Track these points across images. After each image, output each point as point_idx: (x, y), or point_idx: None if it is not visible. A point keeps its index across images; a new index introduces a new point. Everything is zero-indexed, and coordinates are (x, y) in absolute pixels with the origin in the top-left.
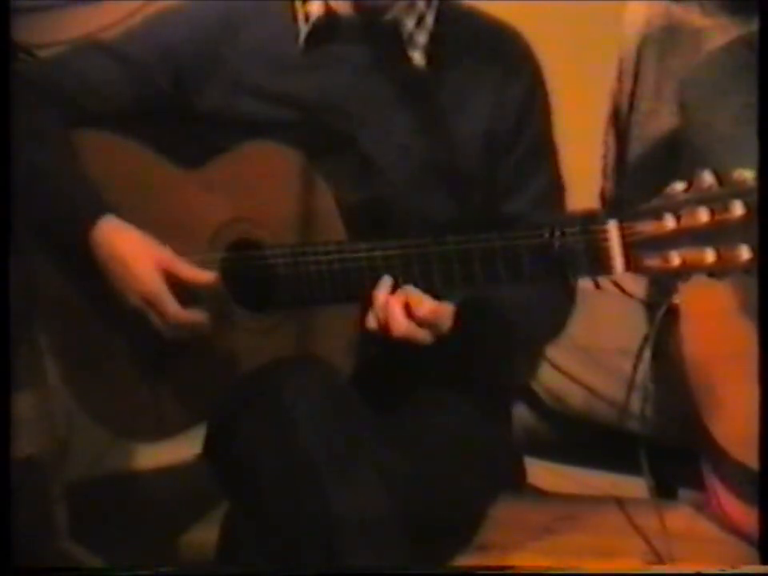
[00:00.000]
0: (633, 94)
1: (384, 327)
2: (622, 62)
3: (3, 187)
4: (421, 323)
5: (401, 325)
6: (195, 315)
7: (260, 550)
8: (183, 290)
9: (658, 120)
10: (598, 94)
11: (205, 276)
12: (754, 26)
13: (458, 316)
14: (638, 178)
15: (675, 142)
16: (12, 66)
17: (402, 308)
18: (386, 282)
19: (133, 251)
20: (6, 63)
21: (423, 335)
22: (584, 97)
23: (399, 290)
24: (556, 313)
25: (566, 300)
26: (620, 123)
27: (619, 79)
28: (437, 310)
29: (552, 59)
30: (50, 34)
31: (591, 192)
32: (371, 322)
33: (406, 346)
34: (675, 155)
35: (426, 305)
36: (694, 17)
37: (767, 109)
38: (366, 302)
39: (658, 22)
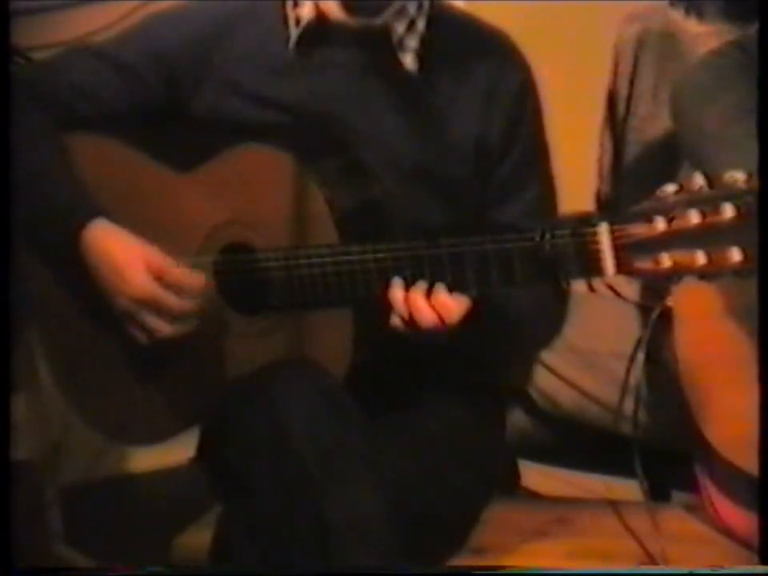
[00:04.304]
0: (630, 98)
1: (410, 322)
2: (617, 66)
3: (3, 190)
4: (442, 313)
5: (427, 315)
6: (197, 301)
7: (254, 553)
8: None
9: (656, 124)
10: (593, 96)
11: (195, 278)
12: (749, 30)
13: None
14: (636, 180)
15: (672, 144)
16: (11, 68)
17: (425, 300)
18: (398, 281)
19: (124, 254)
20: (5, 65)
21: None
22: (580, 99)
23: (413, 287)
24: (552, 316)
25: (561, 304)
26: (616, 126)
27: (615, 82)
28: (453, 302)
29: (548, 62)
30: (44, 36)
31: (587, 194)
32: (395, 321)
33: (399, 347)
34: (672, 158)
35: (442, 296)
36: (692, 23)
37: (767, 109)
38: (382, 303)
39: (655, 28)
